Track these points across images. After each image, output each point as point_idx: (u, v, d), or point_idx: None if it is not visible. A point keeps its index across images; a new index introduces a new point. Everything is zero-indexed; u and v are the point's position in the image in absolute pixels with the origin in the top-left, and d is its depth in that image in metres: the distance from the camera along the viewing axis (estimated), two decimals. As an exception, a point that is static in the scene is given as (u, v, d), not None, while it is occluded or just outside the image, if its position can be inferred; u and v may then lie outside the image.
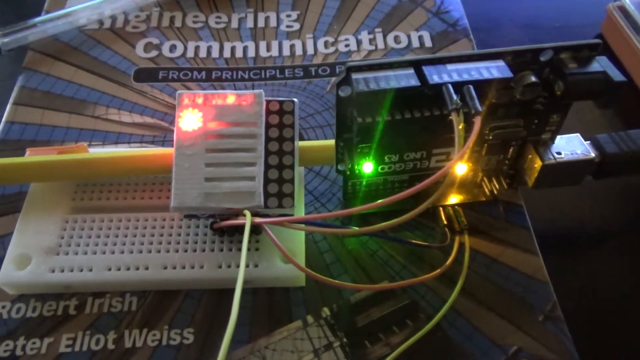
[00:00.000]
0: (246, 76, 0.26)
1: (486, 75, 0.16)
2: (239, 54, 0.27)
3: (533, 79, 0.17)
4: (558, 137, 0.20)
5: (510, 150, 0.20)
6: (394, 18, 0.28)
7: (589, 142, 0.20)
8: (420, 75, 0.16)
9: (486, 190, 0.21)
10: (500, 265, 0.20)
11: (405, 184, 0.21)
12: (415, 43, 0.27)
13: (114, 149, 0.23)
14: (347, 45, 0.27)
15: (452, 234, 0.20)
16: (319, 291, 0.20)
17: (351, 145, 0.19)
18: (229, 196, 0.18)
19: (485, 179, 0.21)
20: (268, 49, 0.27)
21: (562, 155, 0.20)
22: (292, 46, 0.27)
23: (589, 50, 0.17)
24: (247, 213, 0.17)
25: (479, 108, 0.16)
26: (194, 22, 0.28)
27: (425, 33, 0.27)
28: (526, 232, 0.21)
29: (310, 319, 0.19)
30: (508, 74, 0.16)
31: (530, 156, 0.20)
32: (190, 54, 0.27)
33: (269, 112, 0.19)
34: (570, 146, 0.20)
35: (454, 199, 0.22)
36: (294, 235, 0.20)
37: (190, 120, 0.18)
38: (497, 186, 0.21)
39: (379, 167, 0.20)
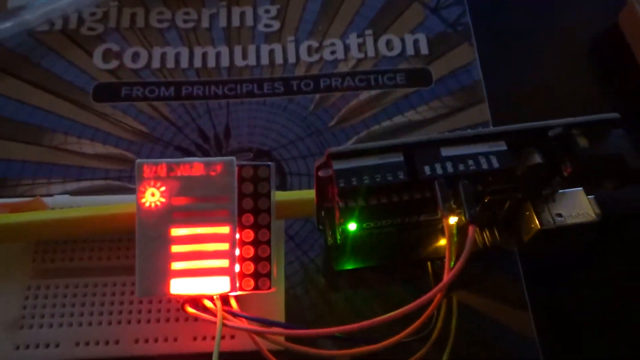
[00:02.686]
0: (220, 92, 0.23)
1: (485, 166, 0.14)
2: (211, 63, 0.24)
3: (538, 159, 0.15)
4: (559, 192, 0.18)
5: (507, 204, 0.19)
6: (386, 16, 0.25)
7: (592, 196, 0.19)
8: (410, 163, 0.14)
9: (478, 241, 0.20)
10: (488, 321, 0.19)
11: (394, 230, 0.20)
12: (410, 50, 0.24)
13: (75, 189, 0.21)
14: (333, 52, 0.24)
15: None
16: (299, 355, 0.19)
17: (332, 217, 0.17)
18: (199, 282, 0.16)
19: (477, 230, 0.20)
20: (244, 57, 0.24)
21: (563, 219, 0.18)
22: (271, 52, 0.24)
23: (603, 127, 0.15)
24: (218, 302, 0.16)
25: (475, 216, 0.14)
26: (159, 21, 0.25)
27: (421, 36, 0.24)
28: (517, 284, 0.20)
29: (290, 386, 0.18)
30: (510, 163, 0.14)
31: (527, 213, 0.18)
32: (156, 63, 0.24)
33: (241, 180, 0.17)
34: (572, 205, 0.18)
35: (444, 251, 0.20)
36: (272, 298, 0.19)
37: (152, 195, 0.16)
38: (489, 238, 0.20)
39: (364, 225, 0.18)
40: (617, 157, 0.15)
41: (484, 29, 0.25)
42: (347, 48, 0.24)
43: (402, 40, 0.24)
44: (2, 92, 0.23)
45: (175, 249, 0.16)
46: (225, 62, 0.24)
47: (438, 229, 0.20)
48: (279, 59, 0.24)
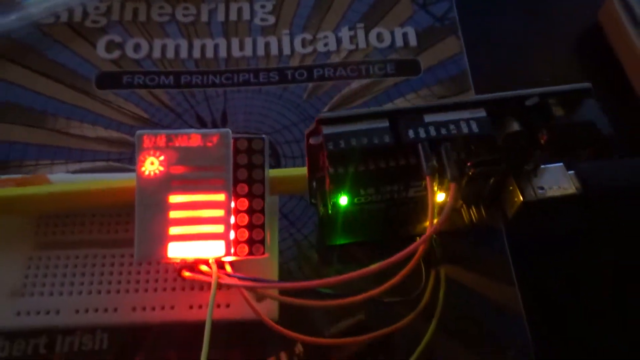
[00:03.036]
0: (217, 81, 0.24)
1: (465, 130, 0.15)
2: (209, 54, 0.25)
3: (516, 127, 0.16)
4: (541, 167, 0.19)
5: (491, 180, 0.20)
6: (377, 10, 0.26)
7: (572, 171, 0.19)
8: (395, 128, 0.15)
9: (465, 217, 0.21)
10: (475, 296, 0.20)
11: (385, 219, 0.20)
12: (400, 42, 0.25)
13: (77, 168, 0.21)
14: (325, 45, 0.25)
15: (427, 268, 0.20)
16: (292, 325, 0.19)
17: (324, 186, 0.18)
18: (195, 246, 0.17)
19: (464, 206, 0.21)
20: (241, 48, 0.25)
21: (545, 191, 0.19)
22: (267, 45, 0.25)
23: (577, 96, 0.16)
24: (213, 266, 0.17)
25: (456, 176, 0.15)
26: (160, 15, 0.26)
27: (410, 29, 0.26)
28: (504, 260, 0.21)
29: (283, 356, 0.19)
30: (488, 130, 0.15)
31: (511, 187, 0.19)
32: (156, 54, 0.25)
33: (236, 151, 0.18)
34: (553, 179, 0.19)
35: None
36: (266, 269, 0.19)
37: (151, 164, 0.17)
38: (475, 214, 0.21)
39: (355, 199, 0.19)
40: (590, 124, 0.16)
41: (469, 24, 0.26)
42: (339, 40, 0.25)
43: (392, 33, 0.25)
44: (8, 79, 0.24)
45: (173, 214, 0.17)
46: (223, 53, 0.25)
47: (425, 206, 0.21)
48: (274, 51, 0.25)
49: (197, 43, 0.25)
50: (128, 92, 0.24)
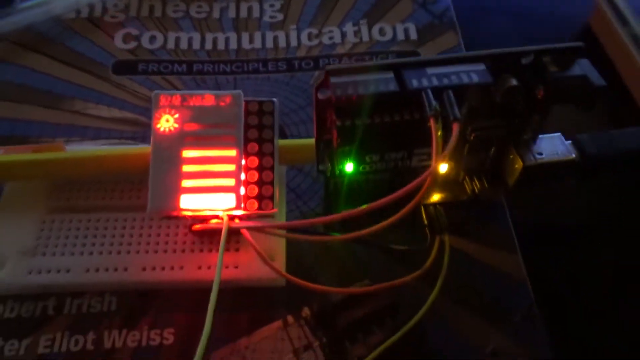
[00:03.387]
0: (228, 69, 0.25)
1: (465, 80, 0.16)
2: (220, 45, 0.26)
3: (514, 82, 0.17)
4: (539, 136, 0.20)
5: (492, 150, 0.20)
6: (379, 9, 0.28)
7: (570, 141, 0.20)
8: (400, 79, 0.16)
9: (467, 189, 0.21)
10: (479, 264, 0.20)
11: (390, 187, 0.21)
12: (401, 35, 0.27)
13: (92, 146, 0.22)
14: (331, 38, 0.27)
15: (432, 234, 0.20)
16: (299, 291, 0.20)
17: (331, 147, 0.19)
18: (207, 199, 0.17)
19: (467, 178, 0.21)
20: (251, 41, 0.26)
21: (543, 157, 0.20)
22: (275, 38, 0.27)
23: (570, 54, 0.17)
24: (225, 216, 0.17)
25: (458, 115, 0.15)
26: (175, 12, 0.27)
27: (411, 25, 0.27)
28: (506, 231, 0.21)
29: (290, 319, 0.19)
30: (488, 79, 0.16)
31: (511, 156, 0.20)
32: (170, 45, 0.26)
33: (248, 113, 0.18)
34: (551, 146, 0.20)
35: (436, 197, 0.22)
36: (274, 237, 0.20)
37: (167, 121, 0.18)
38: (478, 185, 0.21)
39: (360, 167, 0.20)
40: (583, 77, 0.17)
41: (466, 24, 0.28)
42: (343, 34, 0.27)
43: (394, 28, 0.27)
44: (29, 66, 0.25)
45: (186, 168, 0.17)
46: (233, 45, 0.26)
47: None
48: (282, 44, 0.26)
49: (209, 36, 0.27)
50: (142, 77, 0.25)
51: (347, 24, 0.27)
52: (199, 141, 0.18)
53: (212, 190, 0.17)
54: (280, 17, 0.27)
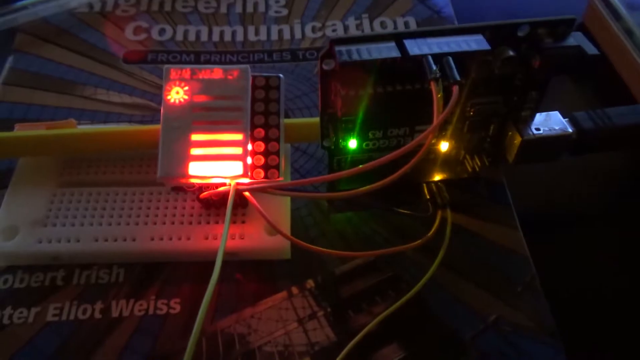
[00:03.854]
0: (234, 59, 0.26)
1: (465, 47, 0.17)
2: (227, 38, 0.27)
3: (511, 53, 0.17)
4: (537, 114, 0.21)
5: (492, 127, 0.21)
6: (380, 4, 0.29)
7: (567, 119, 0.21)
8: (402, 47, 0.17)
9: (468, 167, 0.22)
10: (481, 239, 0.21)
11: (391, 162, 0.22)
12: (401, 28, 0.28)
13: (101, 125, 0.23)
14: (334, 31, 0.27)
15: (434, 208, 0.21)
16: (304, 264, 0.20)
17: (335, 120, 0.19)
18: (215, 166, 0.18)
19: (467, 157, 0.22)
20: (256, 34, 0.27)
21: (541, 131, 0.20)
22: (280, 31, 0.28)
23: (564, 26, 0.18)
24: (232, 182, 0.18)
25: (457, 77, 0.16)
26: (184, 7, 0.28)
27: (411, 19, 0.28)
28: (507, 208, 0.22)
29: (295, 290, 0.19)
30: (486, 46, 0.17)
31: (510, 133, 0.21)
32: (179, 37, 0.27)
33: (255, 87, 0.19)
34: (549, 122, 0.21)
35: (437, 176, 0.22)
36: (279, 209, 0.20)
37: (177, 93, 0.18)
38: (478, 163, 0.22)
39: (363, 144, 0.20)
40: (576, 47, 0.17)
41: (464, 20, 0.29)
42: (346, 27, 0.28)
43: (394, 22, 0.28)
44: (43, 56, 0.26)
45: (195, 137, 0.18)
46: (239, 37, 0.27)
47: (430, 158, 0.22)
48: (286, 36, 0.27)
49: (216, 29, 0.27)
50: (152, 66, 0.26)
51: (349, 17, 0.28)
52: (208, 112, 0.18)
53: (220, 159, 0.18)
54: (285, 12, 0.28)
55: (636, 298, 0.20)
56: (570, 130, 0.20)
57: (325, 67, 0.18)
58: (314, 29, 0.28)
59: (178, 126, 0.18)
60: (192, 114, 0.18)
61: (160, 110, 0.22)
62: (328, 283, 0.20)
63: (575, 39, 0.18)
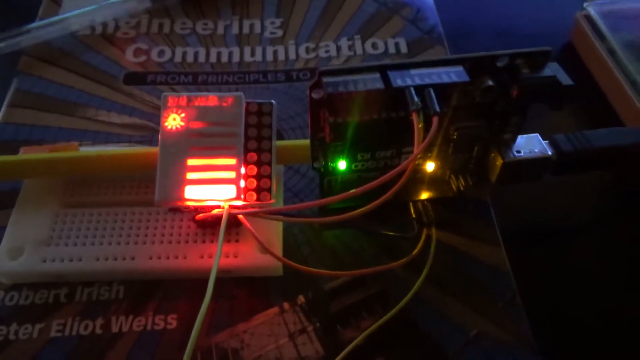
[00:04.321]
0: (231, 80, 0.27)
1: (445, 79, 0.18)
2: (224, 59, 0.28)
3: (490, 83, 0.18)
4: (519, 137, 0.22)
5: (475, 149, 0.22)
6: (372, 25, 0.30)
7: (547, 141, 0.22)
8: (386, 79, 0.18)
9: (453, 186, 0.23)
10: (464, 256, 0.22)
11: (378, 175, 0.22)
12: (392, 49, 0.29)
13: (104, 148, 0.24)
14: (327, 51, 0.28)
15: (420, 227, 0.22)
16: (295, 280, 0.21)
17: (325, 145, 0.20)
18: (209, 190, 0.19)
19: (452, 177, 0.23)
20: (252, 55, 0.28)
21: (522, 154, 0.21)
22: (275, 52, 0.29)
23: (541, 57, 0.19)
24: (225, 205, 0.19)
25: (437, 109, 0.17)
26: (182, 29, 0.29)
27: (402, 40, 0.29)
28: (490, 226, 0.23)
29: (286, 305, 0.20)
30: (465, 78, 0.18)
31: (493, 155, 0.22)
32: (178, 58, 0.28)
33: (248, 113, 0.20)
34: (529, 145, 0.21)
35: (423, 195, 0.23)
36: (271, 229, 0.21)
37: (174, 120, 0.19)
38: (463, 183, 0.23)
39: (353, 165, 0.21)
40: (552, 77, 0.18)
41: (451, 47, 0.30)
42: (339, 48, 0.29)
43: (385, 43, 0.29)
44: (46, 77, 0.27)
45: (191, 162, 0.19)
46: (236, 58, 0.28)
47: (417, 177, 0.23)
48: (281, 57, 0.28)
49: (213, 51, 0.28)
50: (151, 87, 0.27)
51: (342, 39, 0.29)
52: (203, 138, 0.19)
53: (214, 182, 0.19)
54: (279, 33, 0.29)
55: (614, 314, 0.21)
56: (549, 152, 0.21)
57: (314, 96, 0.19)
58: (307, 50, 0.29)
59: (175, 151, 0.19)
60: (188, 140, 0.19)
61: (158, 130, 0.23)
62: (318, 299, 0.21)
63: (551, 69, 0.19)
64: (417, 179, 0.23)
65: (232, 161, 0.19)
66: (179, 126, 0.19)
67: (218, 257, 0.17)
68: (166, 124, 0.19)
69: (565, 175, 0.22)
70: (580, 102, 0.29)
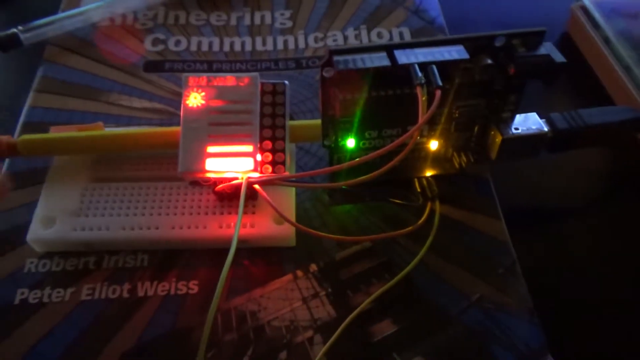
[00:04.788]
0: (244, 67, 0.29)
1: (447, 56, 0.19)
2: (237, 48, 0.30)
3: (489, 61, 0.20)
4: (517, 115, 0.23)
5: (476, 128, 0.23)
6: (377, 16, 0.31)
7: (544, 119, 0.23)
8: (392, 57, 0.19)
9: (455, 164, 0.24)
10: (466, 228, 0.23)
11: (385, 159, 0.24)
12: (396, 38, 0.30)
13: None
14: (334, 40, 0.30)
15: (424, 200, 0.23)
16: (307, 250, 0.22)
17: (335, 121, 0.22)
18: (228, 162, 0.20)
19: (455, 154, 0.24)
20: (264, 44, 0.30)
21: (520, 131, 0.22)
22: (285, 41, 0.30)
23: (536, 37, 0.20)
24: (244, 176, 0.20)
25: (439, 83, 0.18)
26: (197, 20, 0.31)
27: (405, 29, 0.30)
28: (491, 201, 0.24)
29: (299, 273, 0.22)
30: (465, 55, 0.19)
31: (492, 132, 0.23)
32: (193, 48, 0.29)
33: (263, 93, 0.22)
34: (527, 123, 0.23)
35: (427, 172, 0.24)
36: (285, 202, 0.22)
37: (195, 99, 0.21)
38: (465, 160, 0.24)
39: (361, 143, 0.23)
40: (546, 56, 0.20)
41: (455, 30, 0.31)
42: (346, 38, 0.30)
43: (390, 32, 0.30)
44: (70, 65, 0.28)
45: (211, 137, 0.20)
46: (248, 47, 0.30)
47: (421, 155, 0.24)
48: (291, 46, 0.30)
49: (227, 40, 0.30)
50: (169, 74, 0.28)
51: (348, 28, 0.31)
52: (222, 114, 0.21)
53: (233, 155, 0.20)
54: (289, 24, 0.31)
55: (606, 280, 0.23)
56: (546, 129, 0.23)
57: (325, 74, 0.20)
58: (316, 39, 0.30)
59: (196, 127, 0.21)
60: (208, 116, 0.21)
61: (177, 114, 0.25)
62: (329, 267, 0.22)
63: (546, 48, 0.20)
64: (422, 157, 0.24)
65: (249, 136, 0.21)
66: (199, 104, 0.21)
67: (239, 220, 0.19)
68: (187, 102, 0.21)
69: (560, 152, 0.24)
70: (577, 87, 0.30)
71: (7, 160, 0.24)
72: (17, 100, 0.27)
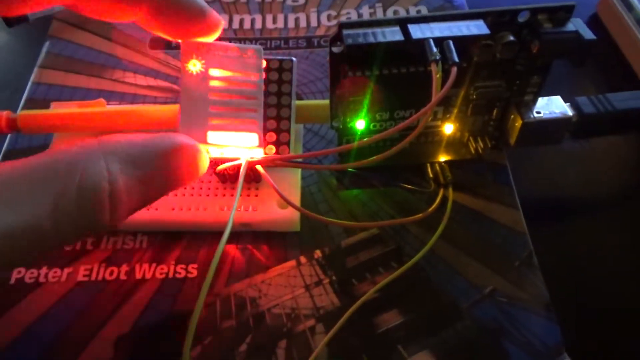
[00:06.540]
0: (253, 45, 0.28)
1: (465, 32, 0.18)
2: (246, 25, 0.29)
3: (511, 38, 0.18)
4: (540, 98, 0.22)
5: (495, 111, 0.22)
6: (394, -6, 0.30)
7: (568, 103, 0.22)
8: (405, 32, 0.18)
9: (472, 149, 0.23)
10: (481, 217, 0.22)
11: (397, 143, 0.23)
12: (413, 17, 0.28)
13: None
14: (348, 19, 0.29)
15: (437, 186, 0.22)
16: (312, 236, 0.21)
17: (344, 100, 0.20)
18: (231, 136, 0.19)
19: (471, 139, 0.23)
20: (274, 22, 0.29)
21: (542, 114, 0.21)
22: (296, 19, 0.29)
23: (563, 12, 0.19)
24: (248, 154, 0.19)
25: (456, 59, 0.17)
26: (206, -4, 0.30)
27: (423, 8, 0.29)
28: (509, 189, 0.22)
29: (303, 259, 0.21)
30: (485, 30, 0.18)
31: (512, 116, 0.22)
32: (201, 24, 0.28)
33: (269, 69, 0.20)
34: (550, 106, 0.21)
35: (441, 157, 0.23)
36: (290, 185, 0.21)
37: (194, 65, 0.20)
38: (482, 145, 0.23)
39: (371, 125, 0.22)
40: (574, 33, 0.18)
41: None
42: (360, 16, 0.29)
43: (407, 11, 0.29)
44: (75, 41, 0.28)
45: (213, 108, 0.19)
46: (258, 25, 0.29)
47: (435, 140, 0.23)
48: (303, 24, 0.29)
49: (236, 17, 0.29)
50: (175, 52, 0.27)
51: (363, 6, 0.29)
52: (224, 86, 0.19)
53: (236, 129, 0.19)
54: (302, 1, 0.30)
55: (628, 277, 0.21)
56: (570, 113, 0.21)
57: (334, 50, 0.19)
58: (329, 17, 0.29)
59: (196, 96, 0.19)
60: (209, 86, 0.20)
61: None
62: (334, 254, 0.21)
63: (574, 24, 0.19)
64: (436, 141, 0.23)
65: (252, 112, 0.20)
66: (199, 71, 0.20)
67: (237, 200, 0.18)
68: (187, 66, 0.20)
69: (584, 139, 0.22)
70: (605, 71, 0.28)
71: (8, 137, 0.24)
72: (23, 77, 0.26)
